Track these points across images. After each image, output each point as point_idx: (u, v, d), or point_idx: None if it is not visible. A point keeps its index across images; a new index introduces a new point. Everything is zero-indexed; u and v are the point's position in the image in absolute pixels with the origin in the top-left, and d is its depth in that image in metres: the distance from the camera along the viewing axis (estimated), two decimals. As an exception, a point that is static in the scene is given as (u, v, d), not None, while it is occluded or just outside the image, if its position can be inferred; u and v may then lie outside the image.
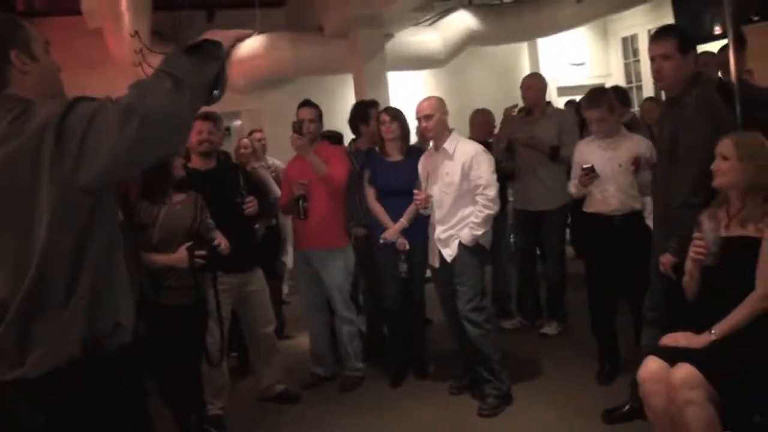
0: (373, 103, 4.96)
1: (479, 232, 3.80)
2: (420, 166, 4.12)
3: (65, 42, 1.66)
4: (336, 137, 5.33)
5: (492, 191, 3.82)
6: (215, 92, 1.60)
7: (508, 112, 5.39)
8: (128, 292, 1.72)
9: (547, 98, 9.22)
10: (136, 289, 1.80)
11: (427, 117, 3.89)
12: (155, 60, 6.44)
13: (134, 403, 1.72)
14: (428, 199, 3.89)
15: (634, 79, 9.49)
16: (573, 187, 4.00)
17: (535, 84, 5.15)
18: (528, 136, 4.93)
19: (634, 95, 9.09)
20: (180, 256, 3.27)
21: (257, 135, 5.75)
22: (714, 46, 5.13)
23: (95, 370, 1.57)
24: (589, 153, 3.90)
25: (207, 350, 3.55)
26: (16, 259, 1.52)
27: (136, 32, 6.26)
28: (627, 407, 3.46)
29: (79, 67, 1.75)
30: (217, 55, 1.56)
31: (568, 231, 5.71)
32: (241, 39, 1.68)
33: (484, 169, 3.84)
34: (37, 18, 7.31)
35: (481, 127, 5.48)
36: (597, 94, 3.88)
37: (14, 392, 1.57)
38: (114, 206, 1.70)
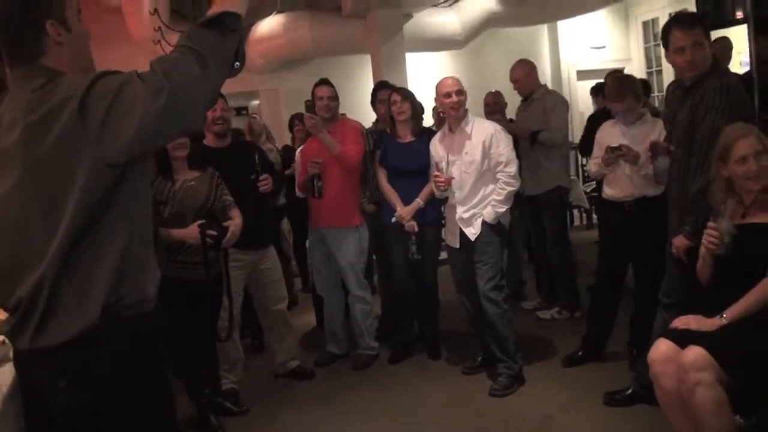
0: (381, 85, 5.01)
1: (502, 209, 3.84)
2: (434, 149, 4.12)
3: (83, 19, 1.69)
4: None
5: (513, 168, 3.84)
6: (236, 64, 1.60)
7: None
8: (154, 264, 1.75)
9: (566, 81, 9.29)
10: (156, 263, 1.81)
11: (459, 92, 3.91)
12: (174, 38, 6.44)
13: (154, 371, 1.74)
14: (450, 181, 3.90)
15: (654, 63, 9.40)
16: (593, 166, 3.99)
17: (521, 76, 5.11)
18: (506, 124, 4.93)
19: (654, 80, 9.02)
20: (192, 232, 3.33)
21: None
22: (736, 31, 5.09)
23: (115, 337, 1.59)
24: (612, 136, 3.87)
25: (219, 326, 3.61)
26: (45, 228, 1.54)
27: (156, 10, 6.26)
28: (630, 390, 3.48)
29: (97, 44, 1.77)
30: (234, 27, 1.56)
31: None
32: None
33: (504, 146, 3.86)
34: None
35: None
36: (622, 87, 3.83)
37: (37, 359, 1.61)
38: (146, 182, 1.71)
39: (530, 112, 5.03)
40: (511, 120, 5.25)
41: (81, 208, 1.52)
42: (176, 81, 1.47)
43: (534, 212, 5.12)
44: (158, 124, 1.49)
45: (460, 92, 3.91)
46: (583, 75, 9.25)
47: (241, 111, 9.78)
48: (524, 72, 5.11)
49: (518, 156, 4.06)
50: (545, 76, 9.14)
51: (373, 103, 5.01)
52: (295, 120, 6.11)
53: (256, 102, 9.05)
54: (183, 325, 3.34)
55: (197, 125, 1.61)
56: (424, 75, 7.67)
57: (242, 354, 4.14)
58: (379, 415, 3.79)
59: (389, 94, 4.48)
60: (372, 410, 3.86)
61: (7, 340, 2.19)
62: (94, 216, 1.55)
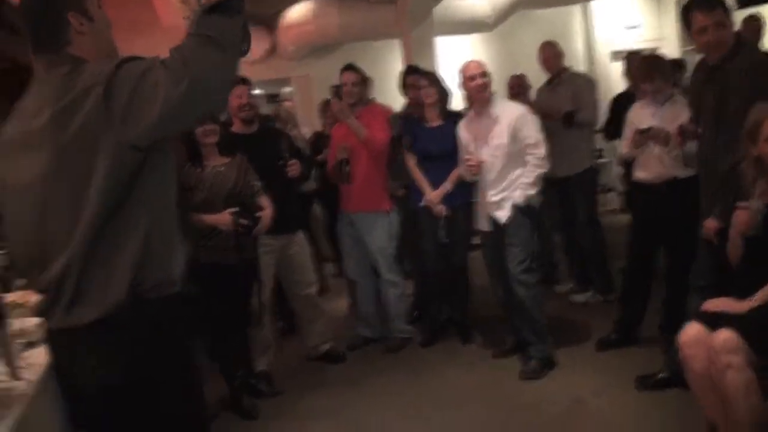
0: (410, 69, 5.00)
1: (532, 192, 3.83)
2: (462, 133, 4.11)
3: (114, 6, 1.74)
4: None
5: (542, 149, 3.83)
6: (244, 46, 1.61)
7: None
8: (179, 247, 1.78)
9: (600, 62, 9.15)
10: (185, 247, 1.84)
11: (483, 74, 3.90)
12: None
13: (181, 351, 1.78)
14: (481, 164, 3.89)
15: (690, 42, 9.19)
16: (625, 147, 3.96)
17: (549, 56, 5.12)
18: (541, 106, 4.89)
19: (688, 59, 8.82)
20: (224, 218, 3.38)
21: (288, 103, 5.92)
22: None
23: (141, 319, 1.63)
24: (642, 117, 3.83)
25: (251, 310, 3.67)
26: (72, 212, 1.58)
27: (186, -1, 6.32)
28: (662, 375, 3.45)
29: (126, 31, 1.83)
30: (239, 9, 1.58)
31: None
32: None
33: (532, 128, 3.85)
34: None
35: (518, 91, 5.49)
36: (650, 67, 3.80)
37: (66, 338, 1.66)
38: (168, 168, 1.73)
39: (557, 93, 5.00)
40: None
41: (105, 192, 1.56)
42: (196, 67, 1.50)
43: (565, 194, 5.08)
44: (180, 109, 1.52)
45: (485, 74, 3.90)
46: (616, 55, 9.08)
47: (273, 98, 9.83)
48: (552, 53, 5.10)
49: (546, 137, 4.03)
50: (578, 57, 9.01)
51: (402, 87, 5.01)
52: (325, 105, 6.14)
53: (288, 89, 9.08)
54: (214, 309, 3.41)
55: (218, 109, 1.65)
56: (455, 59, 7.61)
57: (275, 337, 4.21)
58: (408, 398, 3.82)
59: (416, 78, 4.47)
60: (402, 394, 3.89)
61: (42, 322, 2.28)
62: (118, 201, 1.59)
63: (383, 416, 3.65)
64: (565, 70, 5.12)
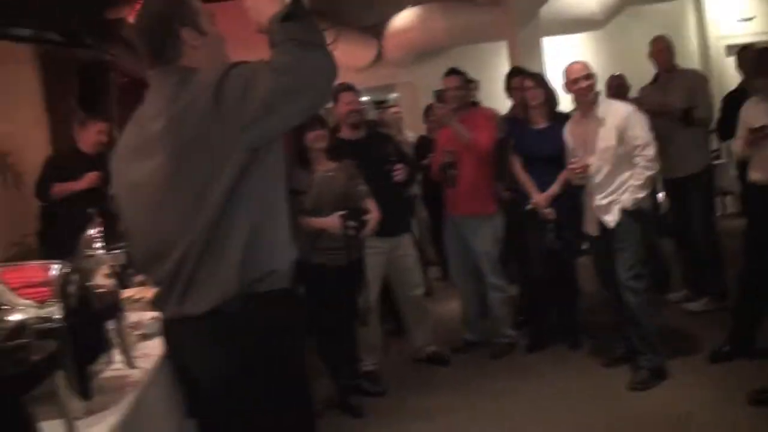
0: (515, 71, 4.97)
1: (641, 195, 3.72)
2: (568, 135, 4.04)
3: (227, 20, 1.85)
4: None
5: (651, 150, 3.71)
6: (323, 40, 1.66)
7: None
8: (288, 244, 1.84)
9: (715, 57, 8.75)
10: (295, 245, 1.91)
11: (588, 77, 3.83)
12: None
13: (290, 346, 1.83)
14: (586, 167, 3.82)
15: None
16: (738, 147, 3.80)
17: (663, 48, 4.94)
18: (656, 103, 4.70)
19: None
20: (333, 221, 3.49)
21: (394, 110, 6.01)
22: None
23: (251, 310, 1.69)
24: (756, 114, 3.65)
25: (358, 310, 3.77)
26: (189, 209, 1.67)
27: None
28: None
29: (238, 45, 1.92)
30: (305, 8, 1.62)
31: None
32: None
33: (640, 128, 3.73)
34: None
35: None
36: (763, 60, 3.64)
37: (180, 327, 1.76)
38: (279, 164, 1.79)
39: (669, 91, 4.79)
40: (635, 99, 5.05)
41: (220, 190, 1.64)
42: (293, 64, 1.57)
43: (679, 197, 4.88)
44: (285, 105, 1.60)
45: (589, 77, 3.82)
46: (732, 50, 8.65)
47: (380, 104, 9.99)
48: (663, 47, 4.93)
49: (659, 137, 3.89)
50: (691, 52, 8.65)
51: (507, 89, 4.99)
52: (428, 110, 6.19)
53: (395, 95, 9.21)
54: (323, 309, 3.53)
55: (320, 105, 1.72)
56: (564, 59, 7.47)
57: (381, 338, 4.29)
58: (512, 404, 3.79)
59: (522, 80, 4.44)
60: (505, 399, 3.86)
61: (157, 315, 2.42)
62: (230, 197, 1.66)
63: (485, 420, 3.64)
64: (675, 66, 4.93)
